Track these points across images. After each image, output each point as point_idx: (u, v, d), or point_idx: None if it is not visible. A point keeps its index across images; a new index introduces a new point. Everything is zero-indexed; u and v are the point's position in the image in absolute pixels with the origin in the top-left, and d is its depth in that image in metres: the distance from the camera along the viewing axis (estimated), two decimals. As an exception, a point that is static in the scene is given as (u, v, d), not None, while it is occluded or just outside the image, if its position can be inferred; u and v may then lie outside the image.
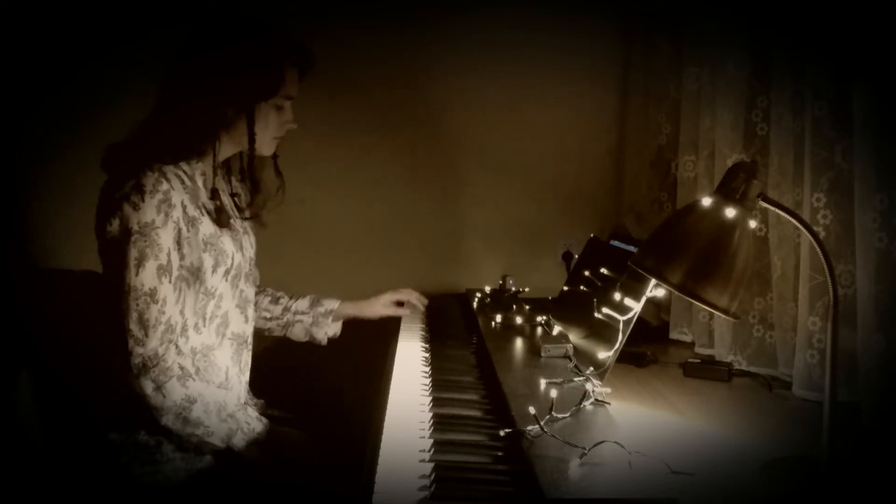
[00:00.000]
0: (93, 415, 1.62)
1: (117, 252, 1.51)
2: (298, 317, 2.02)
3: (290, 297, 2.03)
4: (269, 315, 2.01)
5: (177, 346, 1.57)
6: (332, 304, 2.03)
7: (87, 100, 2.44)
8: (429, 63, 2.59)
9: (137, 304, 1.51)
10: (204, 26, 1.63)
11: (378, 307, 2.10)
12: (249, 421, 1.61)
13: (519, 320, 2.01)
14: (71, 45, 2.43)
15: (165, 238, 1.52)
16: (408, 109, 2.61)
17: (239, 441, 1.59)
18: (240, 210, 1.78)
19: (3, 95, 2.41)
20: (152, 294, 1.51)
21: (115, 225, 1.51)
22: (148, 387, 1.52)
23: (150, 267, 1.51)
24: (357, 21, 2.52)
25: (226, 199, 1.75)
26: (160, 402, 1.52)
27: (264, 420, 1.65)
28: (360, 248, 2.63)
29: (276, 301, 2.02)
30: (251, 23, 1.64)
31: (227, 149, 1.70)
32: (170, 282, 1.54)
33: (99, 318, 1.62)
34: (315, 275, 2.51)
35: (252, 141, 1.64)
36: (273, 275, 2.03)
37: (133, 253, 1.50)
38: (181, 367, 1.56)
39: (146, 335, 1.51)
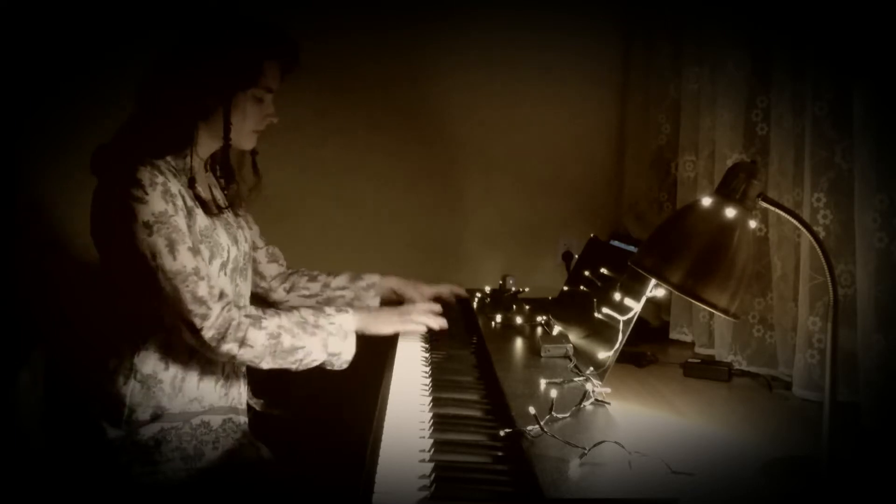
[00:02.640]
0: (93, 415, 1.62)
1: (139, 246, 1.52)
2: (339, 292, 2.02)
3: (328, 274, 2.04)
4: (308, 293, 2.01)
5: (236, 307, 1.61)
6: (372, 279, 2.04)
7: (87, 100, 2.43)
8: (430, 62, 2.59)
9: (187, 286, 1.53)
10: (183, 23, 1.64)
11: (419, 294, 2.08)
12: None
13: (519, 320, 2.01)
14: (69, 46, 2.43)
15: (181, 223, 1.55)
16: (407, 109, 2.61)
17: (335, 346, 1.66)
18: (230, 203, 1.78)
19: (3, 96, 2.40)
20: (197, 272, 1.55)
21: (128, 223, 1.52)
22: (233, 349, 1.56)
23: (182, 249, 1.54)
24: (358, 21, 2.52)
25: (217, 193, 1.75)
26: (251, 354, 1.58)
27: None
28: (359, 247, 2.63)
29: (313, 279, 2.03)
30: (231, 17, 1.65)
31: (210, 141, 1.69)
32: (203, 259, 1.58)
33: (98, 318, 1.63)
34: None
35: (228, 131, 1.64)
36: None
37: (161, 241, 1.52)
38: (248, 316, 1.59)
39: (208, 308, 1.55)
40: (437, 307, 1.93)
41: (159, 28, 2.33)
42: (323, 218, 2.61)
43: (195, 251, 1.56)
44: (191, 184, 1.64)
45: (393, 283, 2.07)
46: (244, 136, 1.69)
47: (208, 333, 1.54)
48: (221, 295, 1.59)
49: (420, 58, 2.58)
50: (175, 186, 1.56)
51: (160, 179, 1.54)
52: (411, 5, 2.54)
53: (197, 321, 1.54)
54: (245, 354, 1.59)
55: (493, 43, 2.57)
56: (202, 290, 1.54)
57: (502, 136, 2.62)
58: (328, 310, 1.72)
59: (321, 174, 2.58)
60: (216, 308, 1.56)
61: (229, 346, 1.56)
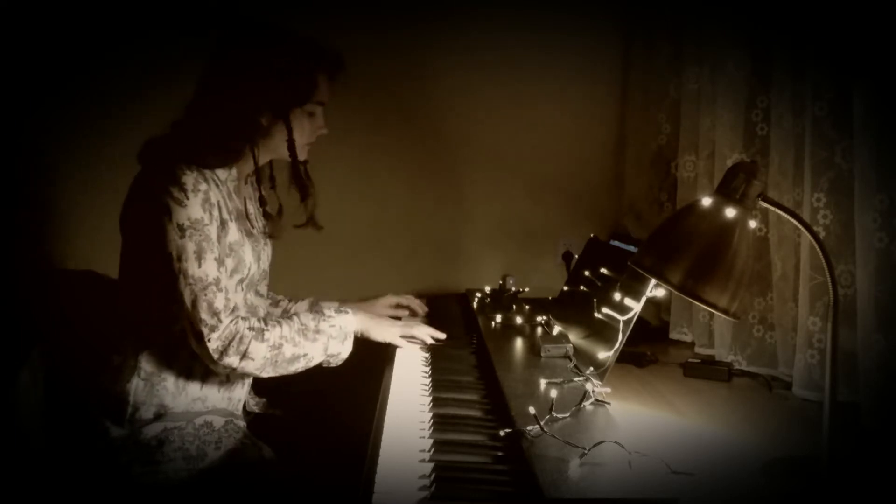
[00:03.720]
0: (94, 414, 1.62)
1: (167, 245, 1.53)
2: None
3: (290, 301, 2.03)
4: None
5: (241, 318, 1.61)
6: (330, 308, 2.03)
7: (87, 100, 2.43)
8: (429, 63, 2.58)
9: (206, 294, 1.55)
10: (236, 32, 1.64)
11: (378, 308, 2.10)
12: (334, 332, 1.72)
13: (519, 320, 2.01)
14: (70, 46, 2.42)
15: (213, 233, 1.57)
16: (408, 109, 2.60)
17: (335, 348, 1.70)
18: (267, 218, 1.79)
19: (4, 96, 2.40)
20: (217, 283, 1.56)
21: (162, 221, 1.53)
22: (234, 362, 1.57)
23: (209, 259, 1.56)
24: (358, 20, 2.52)
25: (251, 207, 1.76)
26: (252, 366, 1.60)
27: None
28: (359, 247, 2.63)
29: (275, 304, 2.03)
30: (282, 29, 1.65)
31: (262, 157, 1.71)
32: (226, 271, 1.60)
33: (99, 317, 1.62)
34: (314, 275, 2.50)
35: (293, 147, 1.66)
36: (272, 274, 2.02)
37: (190, 246, 1.53)
38: (251, 328, 1.60)
39: (219, 320, 1.56)
40: (440, 334, 1.94)
41: (159, 28, 2.35)
42: (321, 219, 2.60)
43: (220, 262, 1.58)
44: (261, 202, 1.73)
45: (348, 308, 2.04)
46: (299, 151, 1.71)
47: (213, 345, 1.55)
48: (234, 309, 1.60)
49: (420, 58, 2.58)
50: (215, 196, 1.59)
51: (203, 187, 1.56)
52: (411, 5, 2.54)
53: (205, 331, 1.55)
54: (246, 367, 1.59)
55: (494, 43, 2.57)
56: (219, 301, 1.56)
57: (502, 136, 2.62)
58: (327, 311, 1.73)
59: (319, 175, 2.57)
60: (226, 321, 1.57)
61: (230, 360, 1.57)
